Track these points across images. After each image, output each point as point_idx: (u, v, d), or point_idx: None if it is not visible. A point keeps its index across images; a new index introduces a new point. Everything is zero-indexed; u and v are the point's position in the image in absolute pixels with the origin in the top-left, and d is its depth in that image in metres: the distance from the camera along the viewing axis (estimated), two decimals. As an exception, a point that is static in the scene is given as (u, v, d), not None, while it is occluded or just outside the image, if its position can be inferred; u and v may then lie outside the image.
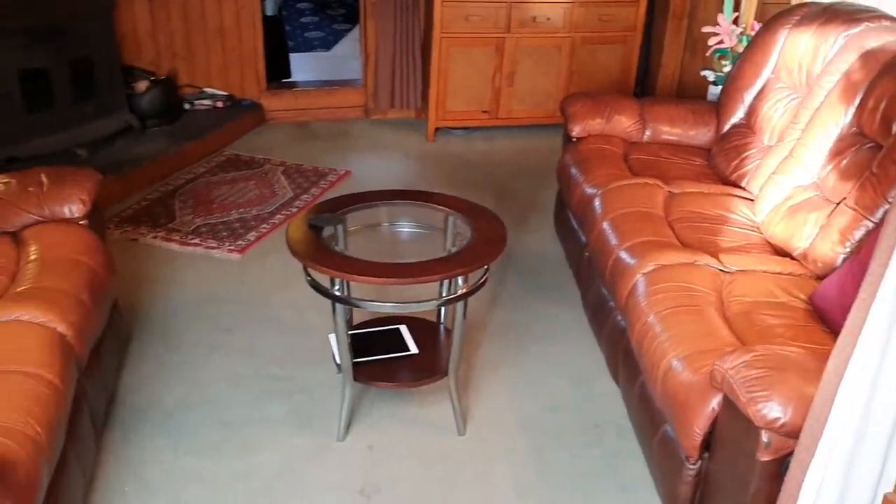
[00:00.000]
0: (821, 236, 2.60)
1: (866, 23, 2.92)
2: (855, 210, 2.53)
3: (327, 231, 2.59)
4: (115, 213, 3.97)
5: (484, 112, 5.12)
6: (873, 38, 2.85)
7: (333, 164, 4.70)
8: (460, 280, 2.43)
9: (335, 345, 2.60)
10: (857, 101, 2.74)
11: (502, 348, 3.09)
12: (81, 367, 2.33)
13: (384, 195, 2.90)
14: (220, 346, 3.05)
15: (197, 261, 3.64)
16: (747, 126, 3.38)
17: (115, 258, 2.80)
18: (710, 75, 4.16)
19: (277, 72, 5.57)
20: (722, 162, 3.36)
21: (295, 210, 4.10)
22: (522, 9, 4.84)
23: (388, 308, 2.48)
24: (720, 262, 2.59)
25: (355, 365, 2.56)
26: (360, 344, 2.66)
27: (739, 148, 3.31)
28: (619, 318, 2.68)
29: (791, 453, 1.72)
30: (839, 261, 2.50)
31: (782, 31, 3.28)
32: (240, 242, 3.77)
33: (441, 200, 2.80)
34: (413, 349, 2.68)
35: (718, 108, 3.59)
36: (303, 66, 6.36)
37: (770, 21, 3.42)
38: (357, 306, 2.50)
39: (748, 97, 3.41)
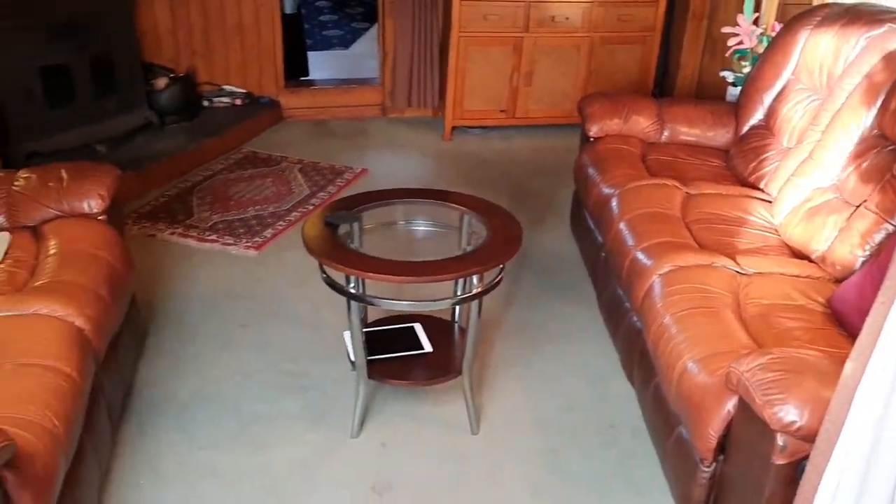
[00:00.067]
0: (840, 239, 2.58)
1: (889, 24, 2.89)
2: (875, 213, 2.50)
3: (343, 229, 2.59)
4: (133, 208, 4.00)
5: (501, 111, 5.12)
6: (896, 39, 2.83)
7: (350, 162, 4.72)
8: (475, 279, 2.43)
9: (350, 342, 2.60)
10: (878, 103, 2.72)
11: (517, 348, 3.08)
12: (99, 361, 2.36)
13: (400, 193, 2.90)
14: (236, 341, 3.07)
15: (214, 257, 3.66)
16: (766, 127, 3.35)
17: (133, 253, 2.83)
18: (729, 76, 4.14)
19: (295, 70, 5.59)
20: (740, 163, 3.34)
21: (311, 208, 4.11)
22: (541, 8, 4.83)
23: (402, 306, 2.48)
24: (737, 264, 2.57)
25: (369, 362, 2.56)
26: (374, 341, 2.67)
27: (758, 149, 3.29)
28: (635, 318, 2.67)
29: (807, 457, 1.70)
30: (858, 264, 2.48)
31: (803, 31, 3.26)
32: (256, 239, 3.79)
33: (457, 199, 2.80)
34: (427, 347, 2.68)
35: (737, 110, 3.57)
36: (321, 65, 6.38)
37: (791, 22, 3.40)
38: (372, 304, 2.50)
39: (767, 98, 3.39)
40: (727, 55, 4.12)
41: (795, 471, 1.78)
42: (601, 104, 3.66)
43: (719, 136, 3.60)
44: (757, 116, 3.44)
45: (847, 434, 1.55)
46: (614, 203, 3.06)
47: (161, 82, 4.72)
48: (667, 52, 5.37)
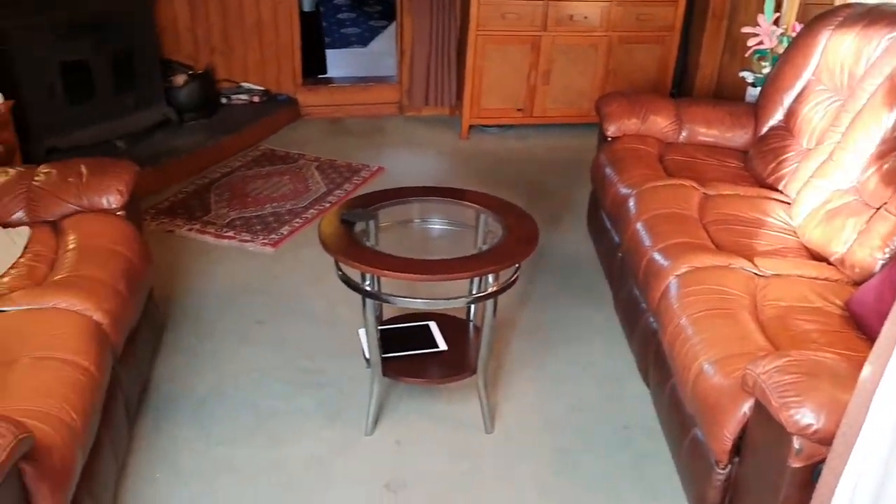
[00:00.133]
0: (859, 241, 2.56)
1: (911, 25, 2.87)
2: None
3: (359, 226, 2.60)
4: (151, 204, 4.03)
5: (518, 110, 5.11)
6: (918, 40, 2.80)
7: (367, 160, 4.73)
8: (491, 278, 2.42)
9: (364, 339, 2.61)
10: (899, 105, 2.69)
11: (532, 347, 3.08)
12: (116, 356, 2.37)
13: (416, 192, 2.90)
14: (253, 337, 3.08)
15: (231, 253, 3.68)
16: (786, 128, 3.33)
17: (151, 249, 2.85)
18: (748, 76, 4.11)
19: (313, 67, 5.61)
20: (759, 164, 3.32)
21: (328, 205, 4.13)
22: (559, 7, 4.82)
23: (418, 304, 2.48)
24: (755, 265, 2.56)
25: (384, 360, 2.57)
26: (389, 339, 2.67)
27: (777, 150, 3.26)
28: (651, 319, 2.67)
29: (823, 460, 1.69)
30: (877, 267, 2.46)
31: (824, 32, 3.23)
32: (273, 236, 3.81)
33: (473, 198, 2.80)
34: (442, 346, 2.69)
35: (757, 110, 3.55)
36: (339, 62, 6.40)
37: (812, 22, 3.37)
38: (387, 302, 2.51)
39: (787, 99, 3.36)
40: (747, 55, 4.10)
41: (811, 474, 1.76)
42: (619, 104, 3.65)
43: (738, 136, 3.58)
44: (776, 117, 3.41)
45: (865, 438, 1.53)
46: (631, 203, 3.05)
47: (180, 79, 4.75)
48: (686, 52, 5.34)
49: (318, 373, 2.89)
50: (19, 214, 2.74)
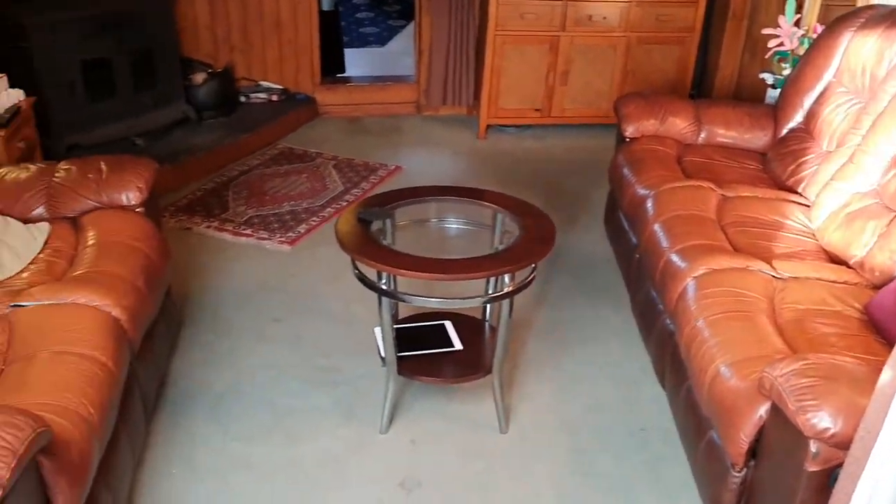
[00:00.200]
0: (879, 245, 2.54)
1: (934, 26, 2.84)
2: (916, 219, 2.46)
3: (376, 225, 2.60)
4: (170, 201, 4.06)
5: (536, 110, 5.10)
6: (941, 42, 2.77)
7: (384, 159, 4.73)
8: (507, 278, 2.42)
9: (380, 338, 2.62)
10: (921, 107, 2.67)
11: (548, 348, 3.07)
12: (134, 351, 2.39)
13: (433, 191, 2.90)
14: (269, 334, 3.09)
15: (248, 251, 3.70)
16: (806, 131, 3.31)
17: (169, 246, 2.86)
18: (769, 78, 4.08)
19: (332, 66, 5.62)
20: (778, 167, 3.30)
21: (345, 204, 4.14)
22: (578, 7, 4.81)
23: (433, 303, 2.48)
24: (773, 268, 2.54)
25: (399, 359, 2.57)
26: (404, 338, 2.67)
27: (797, 153, 3.24)
28: (668, 321, 2.65)
29: (840, 465, 1.68)
30: (898, 270, 2.44)
31: (846, 33, 3.20)
32: (290, 234, 3.82)
33: (490, 198, 2.80)
34: (457, 345, 2.69)
35: (776, 112, 3.52)
36: (357, 62, 6.42)
37: (833, 23, 3.34)
38: (403, 300, 2.51)
39: (808, 101, 3.34)
40: (767, 57, 4.07)
41: (828, 479, 1.75)
42: (637, 105, 3.63)
43: (757, 138, 3.56)
44: (796, 119, 3.39)
45: (883, 443, 1.52)
46: (649, 204, 3.04)
47: (199, 77, 4.78)
48: (705, 53, 5.31)
49: (333, 371, 2.90)
50: (39, 210, 2.76)
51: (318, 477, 2.44)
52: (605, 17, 4.85)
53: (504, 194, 2.83)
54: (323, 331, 3.13)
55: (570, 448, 2.58)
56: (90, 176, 2.82)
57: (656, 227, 2.89)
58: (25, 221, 2.71)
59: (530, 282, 2.51)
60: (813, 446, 1.75)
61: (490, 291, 2.63)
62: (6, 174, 2.81)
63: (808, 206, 3.00)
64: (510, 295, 2.45)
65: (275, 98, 5.17)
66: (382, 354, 2.59)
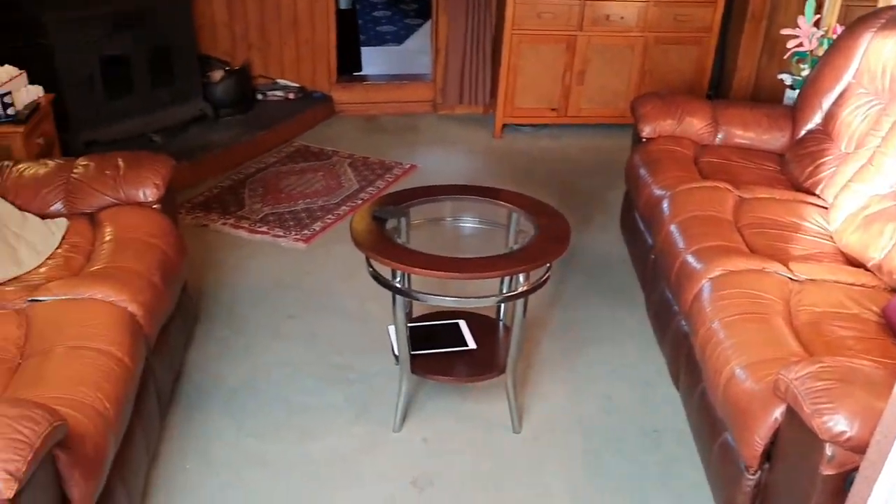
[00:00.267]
0: (898, 248, 2.52)
1: (956, 28, 2.81)
2: (935, 222, 2.44)
3: (391, 223, 2.61)
4: (186, 198, 4.08)
5: (552, 110, 5.09)
6: (963, 43, 2.74)
7: (400, 157, 4.74)
8: (522, 277, 2.42)
9: (394, 336, 2.62)
10: (942, 109, 2.64)
11: (562, 348, 3.07)
12: (150, 346, 2.41)
13: (448, 190, 2.90)
14: (284, 331, 3.11)
15: (264, 248, 3.71)
16: (824, 132, 3.28)
17: (185, 242, 2.88)
18: (787, 79, 4.06)
19: (349, 65, 5.63)
20: (796, 168, 3.28)
21: (360, 202, 4.15)
22: (595, 7, 4.79)
23: (447, 302, 2.48)
24: (789, 270, 2.52)
25: (413, 357, 2.57)
26: (418, 337, 2.68)
27: (815, 154, 3.22)
28: (683, 322, 2.64)
29: (856, 468, 1.67)
30: (916, 274, 2.42)
31: (866, 34, 3.18)
32: (305, 232, 3.83)
33: (505, 197, 2.79)
34: (471, 345, 2.68)
35: (795, 113, 3.50)
36: (373, 60, 6.42)
37: (853, 24, 3.32)
38: (417, 299, 2.51)
39: (826, 102, 3.31)
40: (786, 57, 4.04)
41: (843, 482, 1.74)
42: (654, 105, 3.62)
43: (775, 139, 3.53)
44: (815, 120, 3.36)
45: (899, 447, 1.51)
46: (665, 205, 3.03)
47: (217, 75, 4.80)
48: (723, 53, 5.28)
49: (347, 368, 2.91)
50: (58, 206, 2.79)
51: (331, 474, 2.45)
52: (622, 17, 4.83)
53: (519, 193, 2.83)
54: (337, 328, 3.13)
55: (584, 448, 2.58)
56: (108, 172, 2.84)
57: (672, 227, 2.88)
58: (43, 217, 2.74)
59: (545, 281, 2.51)
60: (828, 450, 1.73)
61: (504, 291, 2.63)
62: (25, 170, 2.84)
63: (825, 207, 2.98)
64: (525, 294, 2.44)
65: (291, 96, 5.19)
66: (396, 353, 2.59)
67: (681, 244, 2.76)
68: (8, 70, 3.28)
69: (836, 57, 3.30)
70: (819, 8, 3.95)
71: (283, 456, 2.51)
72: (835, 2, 3.96)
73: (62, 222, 2.72)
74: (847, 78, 3.24)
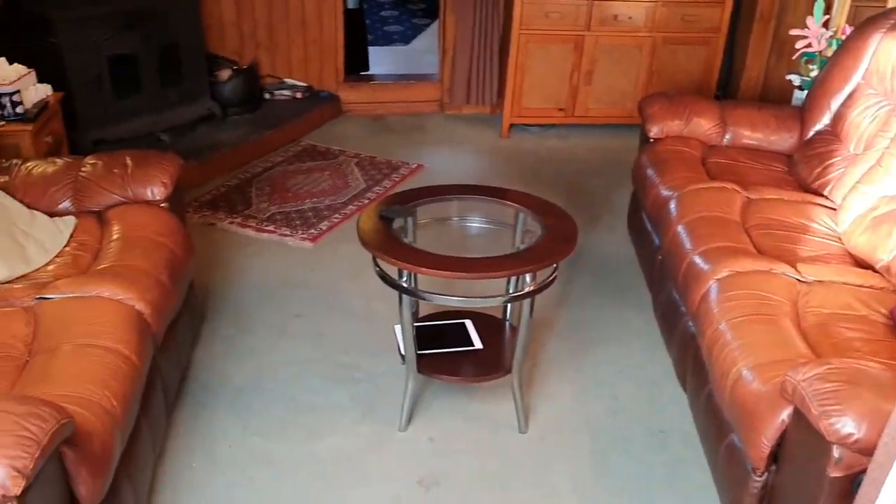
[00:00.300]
0: (906, 249, 2.51)
1: (966, 28, 2.80)
2: (944, 223, 2.43)
3: (397, 223, 2.61)
4: (194, 197, 4.09)
5: (560, 110, 5.09)
6: (973, 44, 2.73)
7: (406, 157, 4.74)
8: (528, 277, 2.42)
9: (400, 336, 2.62)
10: (952, 110, 2.63)
11: (568, 348, 3.06)
12: (157, 344, 2.41)
13: (455, 189, 2.91)
14: (290, 330, 3.11)
15: (271, 247, 3.72)
16: (833, 133, 3.27)
17: (193, 241, 2.88)
18: (795, 79, 4.04)
19: (356, 64, 5.64)
20: (804, 169, 3.26)
21: (367, 201, 4.15)
22: (604, 7, 4.78)
23: (454, 302, 2.49)
24: (797, 271, 2.52)
25: (419, 357, 2.57)
26: (424, 336, 2.68)
27: (823, 155, 3.21)
28: (690, 323, 2.64)
29: (863, 471, 1.66)
30: (925, 275, 2.41)
31: (875, 35, 3.16)
32: (312, 231, 3.84)
33: (512, 197, 2.79)
34: (478, 344, 2.68)
35: (803, 114, 3.49)
36: (381, 60, 6.43)
37: (862, 25, 3.30)
38: (423, 299, 2.51)
39: (835, 103, 3.30)
40: (794, 58, 4.03)
41: (851, 485, 1.73)
42: (662, 105, 3.61)
43: (783, 140, 3.52)
44: (823, 121, 3.35)
45: (907, 449, 1.50)
46: (673, 205, 3.02)
47: (224, 74, 4.81)
48: (731, 53, 5.27)
49: (354, 368, 2.91)
50: (66, 204, 2.80)
51: (337, 473, 2.45)
52: (630, 17, 4.83)
53: (526, 193, 2.83)
54: (344, 328, 3.14)
55: (590, 449, 2.58)
56: (116, 171, 2.85)
57: (680, 228, 2.87)
58: (52, 215, 2.74)
59: (551, 281, 2.51)
60: (836, 452, 1.73)
61: (511, 291, 2.63)
62: (33, 168, 2.85)
63: (834, 209, 2.96)
64: (531, 294, 2.44)
65: (299, 95, 5.19)
66: (402, 352, 2.60)
67: (688, 245, 2.75)
68: (17, 69, 3.29)
69: (845, 58, 3.29)
70: (828, 8, 3.93)
71: (289, 455, 2.51)
72: (844, 2, 3.95)
73: (70, 220, 2.73)
74: (856, 79, 3.23)
